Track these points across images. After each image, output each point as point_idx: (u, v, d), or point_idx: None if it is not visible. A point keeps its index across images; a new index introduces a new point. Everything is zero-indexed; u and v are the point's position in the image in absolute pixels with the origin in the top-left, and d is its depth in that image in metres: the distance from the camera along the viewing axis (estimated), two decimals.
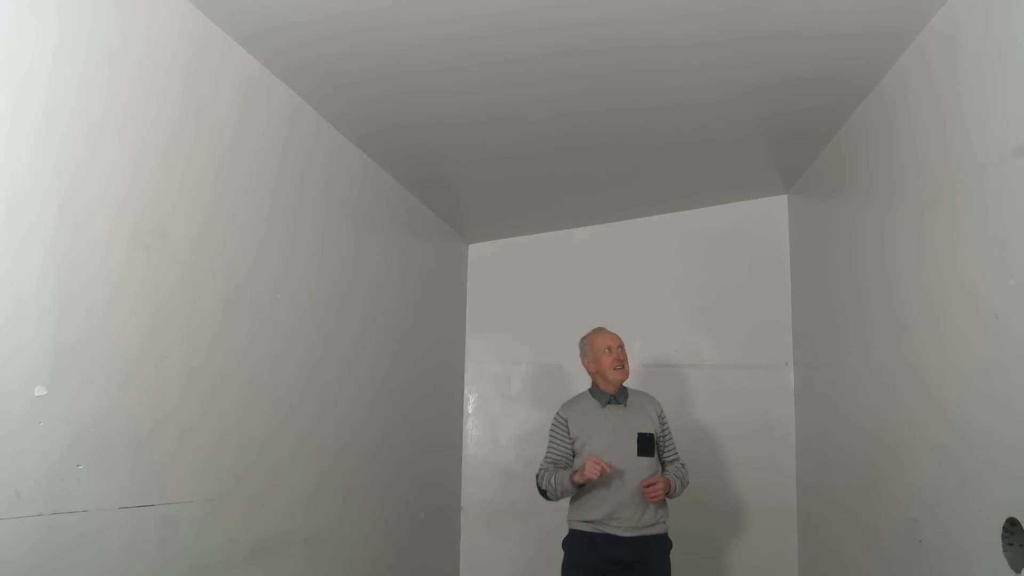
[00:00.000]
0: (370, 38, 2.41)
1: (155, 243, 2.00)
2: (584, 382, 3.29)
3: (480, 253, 4.65)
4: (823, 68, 2.72)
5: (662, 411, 3.27)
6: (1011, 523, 1.90)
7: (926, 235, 2.45)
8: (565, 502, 3.16)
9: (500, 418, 4.46)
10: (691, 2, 2.29)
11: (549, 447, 3.17)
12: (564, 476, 3.03)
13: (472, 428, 4.47)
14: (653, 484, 3.00)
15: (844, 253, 3.29)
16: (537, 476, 3.14)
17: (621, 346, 3.22)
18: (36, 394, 1.64)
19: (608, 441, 3.08)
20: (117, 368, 1.87)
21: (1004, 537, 1.92)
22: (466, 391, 4.50)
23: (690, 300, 4.33)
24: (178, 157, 2.11)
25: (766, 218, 4.27)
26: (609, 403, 3.17)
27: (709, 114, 3.14)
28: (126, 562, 1.88)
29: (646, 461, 3.10)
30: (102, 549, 1.81)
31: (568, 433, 3.15)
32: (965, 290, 2.18)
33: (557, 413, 3.22)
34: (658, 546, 3.10)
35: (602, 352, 3.18)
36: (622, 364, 3.18)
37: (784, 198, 4.27)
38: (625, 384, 3.23)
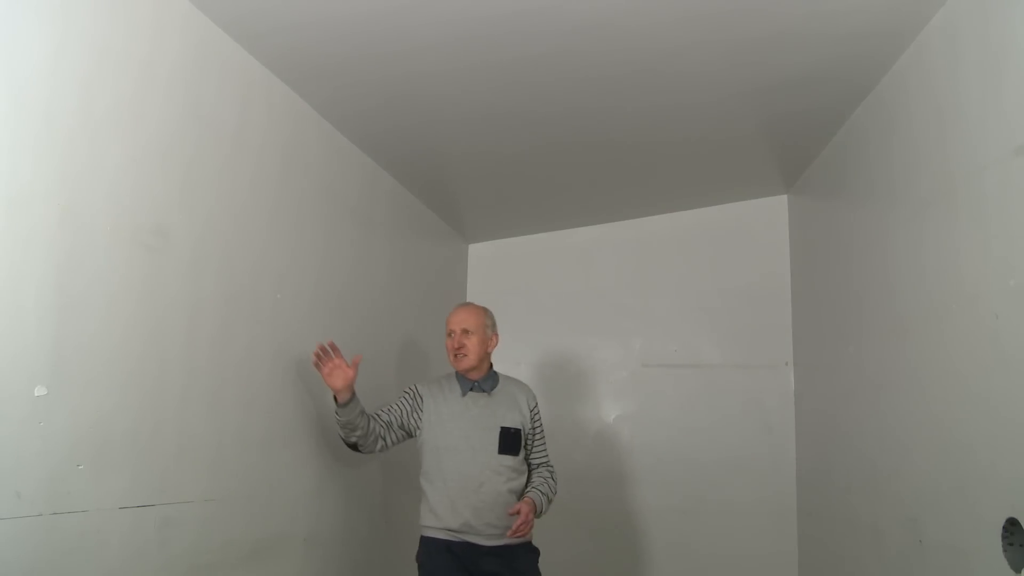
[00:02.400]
0: (370, 38, 2.41)
1: (156, 243, 2.00)
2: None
3: (480, 253, 4.65)
4: (823, 68, 2.72)
5: (536, 404, 2.90)
6: (1011, 523, 1.90)
7: (926, 235, 2.45)
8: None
9: None
10: (691, 2, 2.29)
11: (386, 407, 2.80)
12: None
13: None
14: (518, 517, 2.63)
15: (844, 253, 3.29)
16: None
17: (466, 331, 2.80)
18: (36, 394, 1.64)
19: (463, 433, 2.71)
20: (118, 368, 1.87)
21: (1004, 537, 1.92)
22: None
23: (690, 300, 4.33)
24: (179, 157, 2.11)
25: (766, 218, 4.27)
26: (471, 390, 2.80)
27: (709, 114, 3.14)
28: (126, 562, 1.88)
29: (508, 460, 2.73)
30: (102, 549, 1.81)
31: (417, 407, 2.78)
32: (965, 290, 2.18)
33: (414, 384, 2.86)
34: (524, 556, 2.73)
35: (446, 335, 2.84)
36: (462, 352, 2.78)
37: (784, 198, 4.27)
38: (498, 371, 2.92)
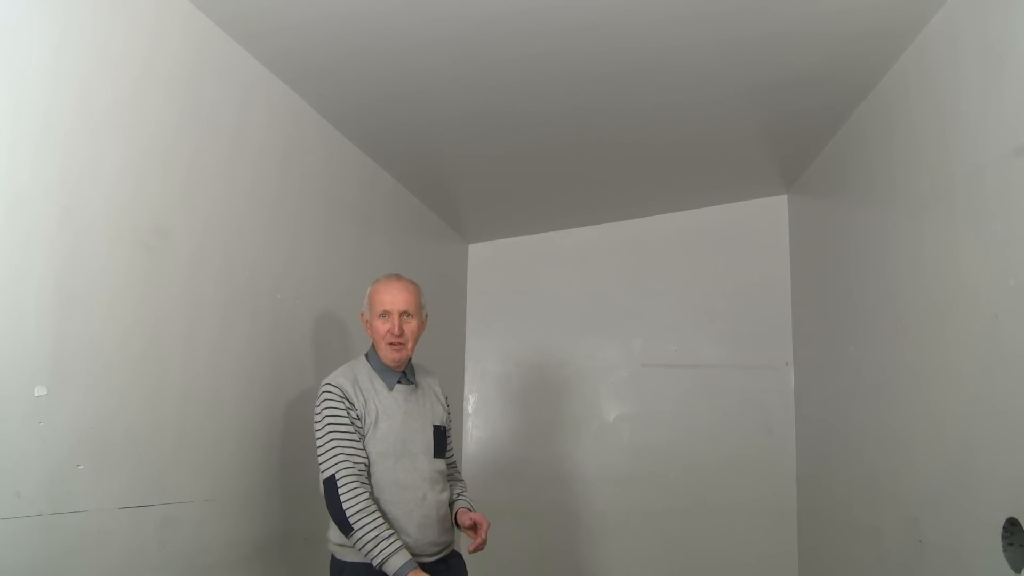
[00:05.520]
0: (370, 38, 2.41)
1: (156, 243, 2.00)
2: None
3: (480, 253, 4.65)
4: (823, 68, 2.72)
5: (447, 395, 2.46)
6: (1011, 523, 1.90)
7: (926, 235, 2.45)
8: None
9: (500, 418, 4.46)
10: (691, 2, 2.29)
11: (334, 433, 2.13)
12: (390, 544, 2.03)
13: (472, 428, 4.47)
14: (480, 534, 2.25)
15: (844, 253, 3.29)
16: (336, 490, 2.07)
17: (406, 314, 2.26)
18: (36, 394, 1.64)
19: (399, 435, 2.21)
20: (118, 368, 1.87)
21: (1004, 537, 1.92)
22: (466, 391, 4.50)
23: (690, 300, 4.33)
24: (178, 157, 2.11)
25: (766, 218, 4.27)
26: (398, 383, 2.25)
27: (709, 113, 3.14)
28: (126, 562, 1.88)
29: (441, 464, 2.30)
30: (102, 549, 1.81)
31: (351, 410, 2.16)
32: (965, 290, 2.18)
33: (328, 383, 2.20)
34: (459, 567, 2.35)
35: (377, 317, 2.26)
36: (400, 341, 2.24)
37: (784, 198, 4.27)
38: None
